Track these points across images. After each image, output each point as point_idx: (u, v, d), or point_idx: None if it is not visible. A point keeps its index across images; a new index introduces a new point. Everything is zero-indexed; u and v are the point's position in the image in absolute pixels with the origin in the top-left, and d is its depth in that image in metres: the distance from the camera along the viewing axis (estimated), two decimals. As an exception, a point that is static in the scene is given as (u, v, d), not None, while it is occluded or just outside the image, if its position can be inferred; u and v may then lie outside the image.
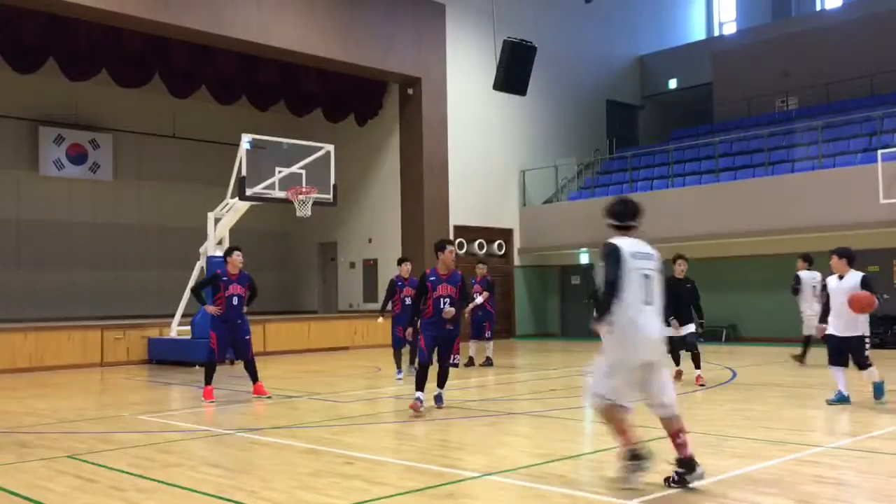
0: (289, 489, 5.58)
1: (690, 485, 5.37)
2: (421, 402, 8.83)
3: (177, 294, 17.13)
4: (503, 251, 23.77)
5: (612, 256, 5.44)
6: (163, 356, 16.67)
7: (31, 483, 5.93)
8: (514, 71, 18.46)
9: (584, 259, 23.23)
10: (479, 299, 14.44)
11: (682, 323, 11.39)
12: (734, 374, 12.60)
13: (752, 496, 5.22)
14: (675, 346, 11.56)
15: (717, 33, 31.02)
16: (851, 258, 9.05)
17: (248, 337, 10.79)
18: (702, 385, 11.03)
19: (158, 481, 5.90)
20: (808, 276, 14.10)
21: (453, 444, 7.44)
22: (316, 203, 16.03)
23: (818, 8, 28.12)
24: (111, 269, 22.49)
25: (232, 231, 16.62)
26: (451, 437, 7.83)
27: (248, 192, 15.38)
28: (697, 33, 30.81)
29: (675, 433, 5.46)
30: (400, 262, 13.15)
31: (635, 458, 5.40)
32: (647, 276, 5.49)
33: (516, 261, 24.11)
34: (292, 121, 23.08)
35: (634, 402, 5.59)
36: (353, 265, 23.99)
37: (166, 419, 9.20)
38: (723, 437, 7.24)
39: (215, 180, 18.75)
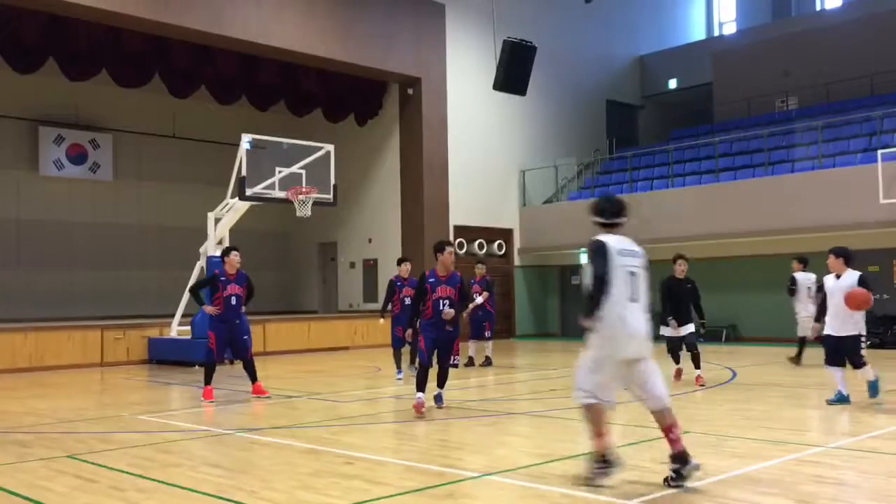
0: (289, 489, 5.58)
1: (686, 476, 5.38)
2: (422, 402, 8.82)
3: (177, 294, 17.12)
4: (503, 251, 23.77)
5: (600, 253, 5.51)
6: (163, 356, 16.67)
7: (31, 483, 5.93)
8: (513, 71, 18.46)
9: (585, 259, 23.21)
10: (479, 300, 14.44)
11: (682, 323, 11.40)
12: (734, 374, 12.60)
13: (752, 496, 5.21)
14: (674, 346, 11.59)
15: (717, 33, 31.02)
16: (849, 257, 9.05)
17: (246, 336, 10.78)
18: (702, 385, 11.02)
19: (158, 481, 5.89)
20: (804, 278, 14.11)
21: (453, 444, 7.44)
22: (316, 203, 16.03)
23: (818, 8, 28.12)
24: (111, 269, 22.49)
25: (232, 231, 16.62)
26: (451, 437, 7.83)
27: (248, 192, 15.37)
28: (697, 33, 30.81)
29: (668, 428, 5.50)
30: (399, 262, 13.15)
31: (604, 463, 5.48)
32: (632, 273, 5.56)
33: (516, 261, 24.11)
34: (292, 121, 23.08)
35: (618, 401, 5.64)
36: (353, 265, 24.00)
37: (166, 419, 9.20)
38: (723, 437, 7.24)
39: (215, 180, 18.75)
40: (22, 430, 8.39)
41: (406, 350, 12.51)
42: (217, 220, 16.50)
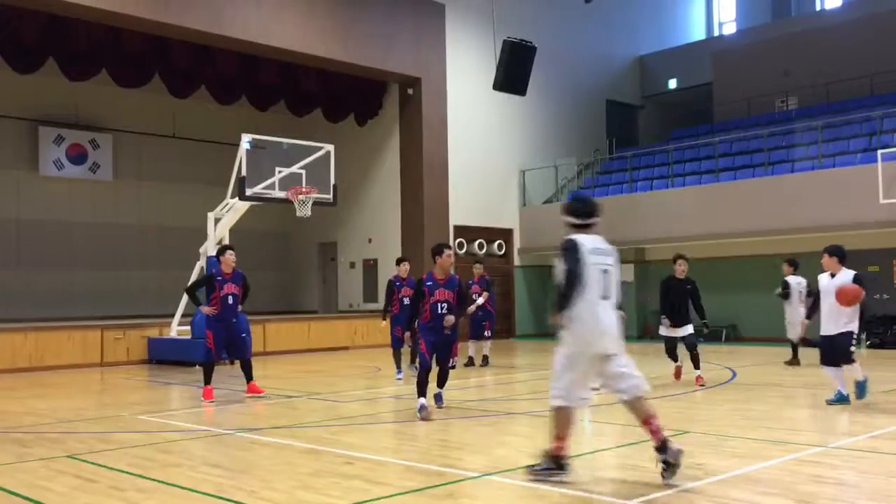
0: (289, 489, 5.58)
1: (676, 463, 5.42)
2: (427, 410, 8.73)
3: (177, 294, 17.09)
4: (503, 251, 23.77)
5: (572, 251, 5.65)
6: (163, 356, 16.67)
7: (31, 483, 5.93)
8: (513, 71, 18.46)
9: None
10: (479, 300, 14.43)
11: (682, 323, 11.40)
12: (734, 374, 12.60)
13: (752, 496, 5.21)
14: (672, 345, 11.58)
15: (717, 33, 31.02)
16: (843, 256, 9.05)
17: (245, 335, 10.77)
18: (702, 385, 11.02)
19: (158, 481, 5.89)
20: (795, 282, 14.09)
21: (453, 444, 7.44)
22: (316, 203, 16.03)
23: (818, 8, 28.12)
24: (111, 269, 22.49)
25: (232, 231, 16.62)
26: (451, 437, 7.83)
27: (248, 192, 15.37)
28: (697, 33, 30.81)
29: (645, 420, 5.59)
30: (398, 262, 13.15)
31: (557, 465, 5.60)
32: (605, 271, 5.73)
33: (516, 261, 24.11)
34: (292, 121, 23.08)
35: (590, 397, 5.79)
36: (353, 265, 24.00)
37: (166, 419, 9.20)
38: (723, 437, 7.24)
39: (215, 180, 18.75)
40: (22, 430, 8.40)
41: (406, 350, 12.50)
42: (217, 220, 16.50)
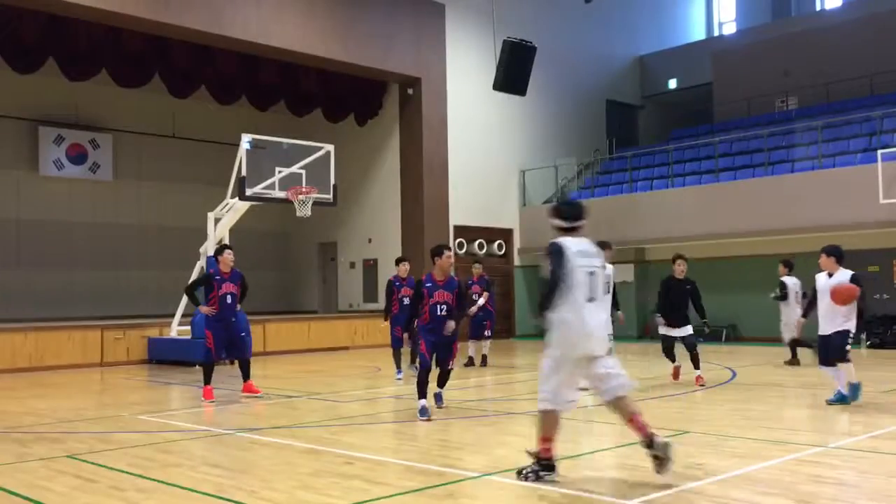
0: (289, 489, 5.58)
1: (666, 456, 5.43)
2: (427, 409, 8.70)
3: (177, 294, 17.07)
4: (503, 251, 23.77)
5: (557, 254, 5.69)
6: (163, 356, 16.67)
7: (31, 483, 5.93)
8: (513, 71, 18.46)
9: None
10: (480, 301, 14.42)
11: (681, 323, 11.40)
12: (734, 374, 12.60)
13: (752, 496, 5.21)
14: (669, 345, 11.58)
15: (717, 33, 31.02)
16: (840, 256, 9.04)
17: (244, 334, 10.77)
18: (702, 385, 11.01)
19: (158, 481, 5.90)
20: (792, 283, 14.08)
21: (453, 444, 7.44)
22: (316, 203, 16.03)
23: (818, 8, 28.13)
24: (111, 269, 22.49)
25: (232, 231, 16.61)
26: (451, 437, 7.83)
27: (248, 192, 15.37)
28: (697, 33, 30.82)
29: (630, 418, 5.64)
30: (398, 262, 13.16)
31: (544, 468, 5.66)
32: (591, 274, 5.76)
33: (516, 261, 24.11)
34: (292, 121, 23.08)
35: (577, 399, 5.82)
36: (353, 265, 24.00)
37: (166, 419, 9.20)
38: (723, 437, 7.24)
39: (215, 180, 18.74)
40: (22, 430, 8.40)
41: (406, 350, 12.50)
42: (217, 220, 16.49)
